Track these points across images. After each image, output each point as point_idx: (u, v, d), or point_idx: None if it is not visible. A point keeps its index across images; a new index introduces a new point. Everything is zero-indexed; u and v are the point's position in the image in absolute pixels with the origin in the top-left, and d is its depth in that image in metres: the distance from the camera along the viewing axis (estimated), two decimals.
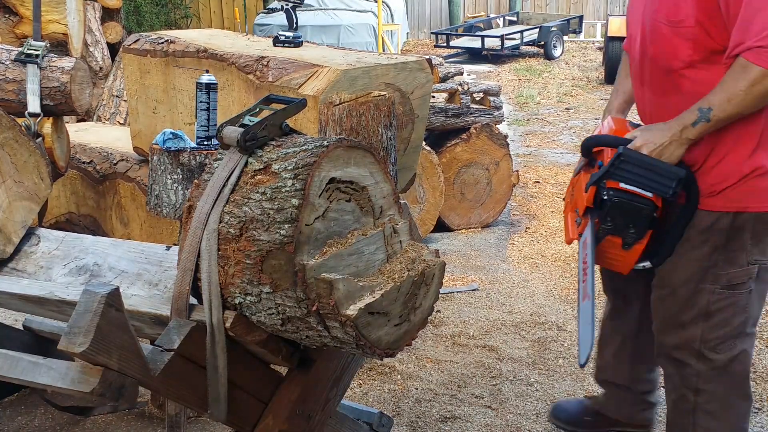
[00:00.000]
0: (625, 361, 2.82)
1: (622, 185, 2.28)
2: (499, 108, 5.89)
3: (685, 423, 2.50)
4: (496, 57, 14.09)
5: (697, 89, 2.23)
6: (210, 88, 2.86)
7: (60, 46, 5.76)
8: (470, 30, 15.43)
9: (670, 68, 2.28)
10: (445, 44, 15.05)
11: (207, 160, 2.85)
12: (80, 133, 4.64)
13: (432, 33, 16.63)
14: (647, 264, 2.42)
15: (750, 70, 2.09)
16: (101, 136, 4.68)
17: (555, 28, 14.41)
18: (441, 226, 5.61)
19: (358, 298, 1.84)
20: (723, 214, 2.30)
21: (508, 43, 13.92)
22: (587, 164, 2.48)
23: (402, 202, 2.33)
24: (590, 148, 2.47)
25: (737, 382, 2.45)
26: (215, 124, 2.86)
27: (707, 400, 2.45)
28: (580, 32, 15.70)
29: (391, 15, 13.10)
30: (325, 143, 1.89)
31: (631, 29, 2.46)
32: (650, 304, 2.55)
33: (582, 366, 2.18)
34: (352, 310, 1.81)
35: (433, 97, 5.46)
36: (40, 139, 2.96)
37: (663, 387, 2.74)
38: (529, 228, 5.73)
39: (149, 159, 3.03)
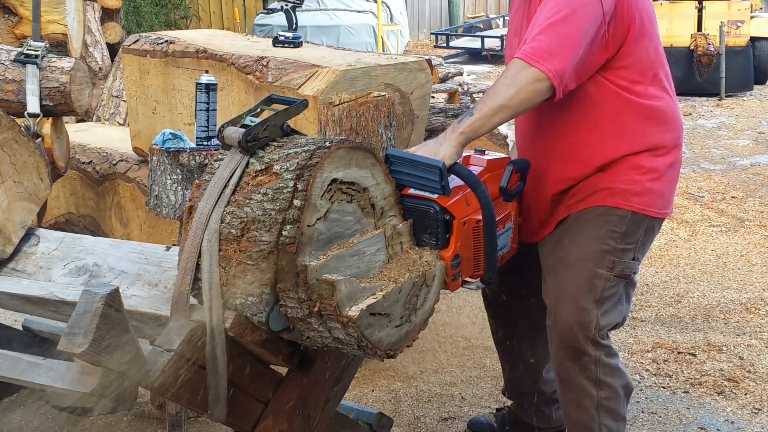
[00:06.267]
0: (528, 369, 2.82)
1: (410, 191, 2.20)
2: None
3: (590, 422, 2.47)
4: (495, 57, 14.08)
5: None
6: (209, 88, 2.86)
7: (59, 46, 5.75)
8: (470, 30, 15.44)
9: None
10: (445, 45, 15.06)
11: (207, 160, 2.85)
12: (80, 134, 4.63)
13: (432, 33, 16.63)
14: (479, 284, 2.34)
15: (510, 65, 2.24)
16: (101, 137, 4.68)
17: None
18: None
19: (359, 299, 1.84)
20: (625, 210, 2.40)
21: None
22: None
23: None
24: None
25: (624, 383, 2.49)
26: (215, 125, 2.86)
27: (608, 396, 2.45)
28: None
29: (391, 15, 13.10)
30: (327, 144, 1.89)
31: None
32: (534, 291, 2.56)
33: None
34: (353, 311, 1.81)
35: (433, 97, 5.46)
36: (39, 139, 2.96)
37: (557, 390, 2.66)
38: None
39: (149, 159, 3.03)
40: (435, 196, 2.17)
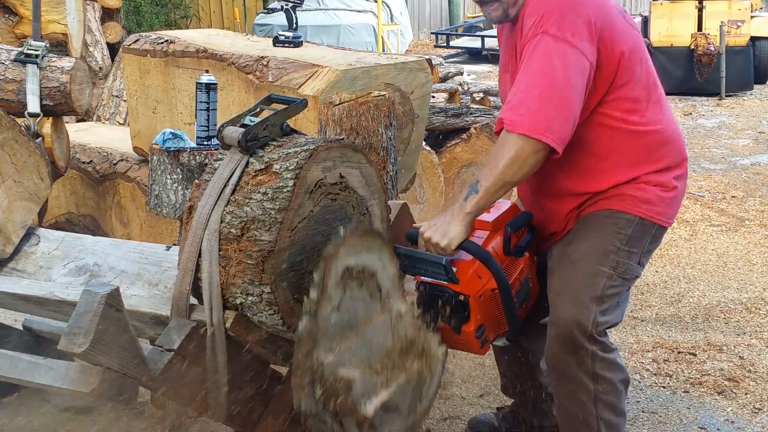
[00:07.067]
0: (524, 364, 2.82)
1: (422, 278, 2.31)
2: (499, 108, 5.90)
3: (587, 414, 2.46)
4: (496, 57, 14.06)
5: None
6: (210, 88, 2.86)
7: (60, 46, 5.75)
8: (470, 30, 15.43)
9: None
10: (445, 44, 15.05)
11: (207, 160, 2.85)
12: (80, 133, 4.63)
13: (432, 33, 16.62)
14: (504, 341, 2.49)
15: (507, 138, 2.24)
16: (101, 136, 4.68)
17: None
18: None
19: (372, 393, 1.85)
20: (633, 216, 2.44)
21: None
22: None
23: (402, 202, 2.34)
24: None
25: (623, 377, 2.50)
26: (215, 124, 2.86)
27: (605, 390, 2.44)
28: None
29: (391, 15, 13.09)
30: (341, 234, 1.91)
31: None
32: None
33: None
34: (369, 410, 1.81)
35: (433, 97, 5.46)
36: (39, 139, 2.96)
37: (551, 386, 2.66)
38: None
39: (149, 159, 3.03)
40: (444, 282, 2.27)
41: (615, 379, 2.46)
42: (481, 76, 12.19)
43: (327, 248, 1.87)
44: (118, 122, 6.03)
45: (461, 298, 2.27)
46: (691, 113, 9.62)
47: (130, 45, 4.07)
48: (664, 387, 3.31)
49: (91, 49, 6.58)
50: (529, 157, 2.23)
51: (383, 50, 12.16)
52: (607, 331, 2.45)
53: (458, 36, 15.29)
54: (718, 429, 3.01)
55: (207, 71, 3.13)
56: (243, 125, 1.96)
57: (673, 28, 10.61)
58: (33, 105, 3.05)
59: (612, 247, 2.42)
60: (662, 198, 2.44)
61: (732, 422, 3.05)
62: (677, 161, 2.48)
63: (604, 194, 2.46)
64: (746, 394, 3.24)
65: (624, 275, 2.43)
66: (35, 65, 3.09)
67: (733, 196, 6.24)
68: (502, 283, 2.33)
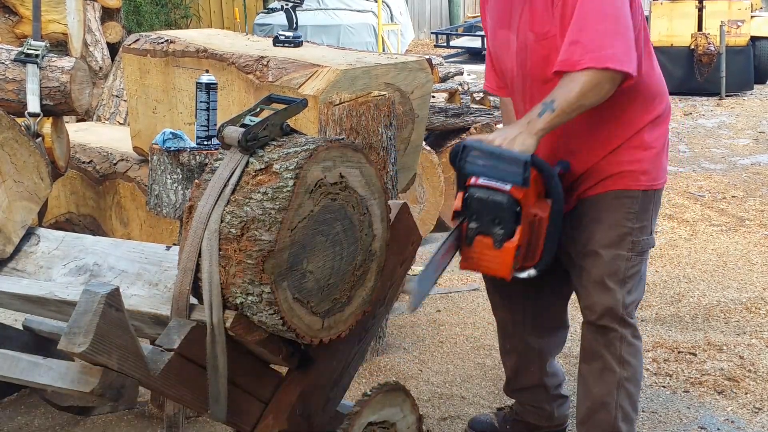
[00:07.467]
0: (534, 361, 2.84)
1: (480, 181, 2.28)
2: (499, 108, 5.89)
3: (609, 398, 2.54)
4: None
5: None
6: (210, 88, 2.86)
7: (60, 46, 5.75)
8: (470, 30, 15.42)
9: (546, 78, 2.43)
10: (445, 44, 15.05)
11: (207, 160, 2.85)
12: (80, 133, 4.64)
13: (432, 33, 16.63)
14: (532, 272, 2.45)
15: (594, 73, 2.29)
16: (101, 136, 4.68)
17: None
18: (441, 226, 5.60)
19: None
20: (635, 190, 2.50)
21: None
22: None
23: (402, 202, 2.34)
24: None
25: (641, 369, 2.60)
26: (215, 124, 2.86)
27: (628, 376, 2.53)
28: None
29: (391, 15, 13.09)
30: (368, 392, 2.09)
31: (503, 64, 2.61)
32: (551, 283, 2.67)
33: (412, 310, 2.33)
34: None
35: (433, 97, 5.46)
36: (39, 139, 2.96)
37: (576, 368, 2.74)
38: None
39: (149, 159, 3.03)
40: (507, 187, 2.24)
41: (638, 368, 2.57)
42: (481, 76, 12.18)
43: (353, 407, 2.07)
44: (118, 122, 6.04)
45: (517, 209, 2.26)
46: (691, 113, 9.62)
47: (130, 45, 4.07)
48: (664, 387, 3.32)
49: (91, 49, 6.58)
50: (606, 83, 2.30)
51: (383, 50, 12.16)
52: (633, 312, 2.55)
53: (458, 36, 15.29)
54: (718, 429, 3.01)
55: (207, 71, 3.13)
56: (243, 125, 1.97)
57: (673, 28, 10.61)
58: (33, 105, 3.05)
59: (626, 230, 2.50)
60: (655, 163, 2.51)
61: (732, 422, 3.05)
62: (665, 111, 2.57)
63: (600, 169, 2.49)
64: (746, 393, 3.24)
65: (641, 252, 2.53)
66: (35, 65, 3.09)
67: (733, 196, 6.24)
68: (558, 205, 2.34)
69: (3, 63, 3.13)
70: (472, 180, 2.33)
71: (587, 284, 2.53)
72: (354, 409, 2.05)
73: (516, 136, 2.31)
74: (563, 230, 2.49)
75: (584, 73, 2.28)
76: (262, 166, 1.89)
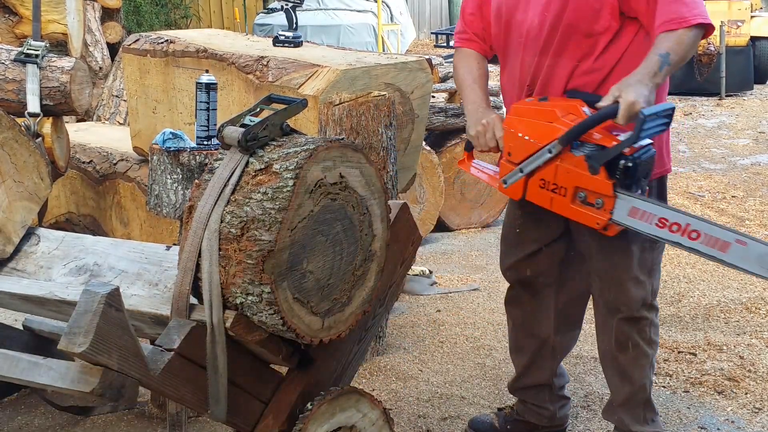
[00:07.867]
0: (547, 359, 2.85)
1: (638, 143, 2.31)
2: (498, 108, 5.89)
3: (644, 379, 2.66)
4: (495, 57, 14.04)
5: (613, 54, 2.47)
6: (210, 88, 2.86)
7: (60, 46, 5.75)
8: None
9: (590, 32, 2.46)
10: (445, 44, 15.03)
11: (207, 160, 2.85)
12: (80, 133, 4.64)
13: (432, 33, 16.62)
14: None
15: (689, 32, 2.39)
16: (101, 136, 4.68)
17: None
18: (441, 226, 5.61)
19: None
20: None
21: None
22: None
23: (402, 202, 2.34)
24: (585, 130, 2.41)
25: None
26: (215, 124, 2.86)
27: (654, 354, 2.68)
28: None
29: (391, 15, 13.09)
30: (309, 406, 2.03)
31: (513, 15, 2.61)
32: (577, 282, 2.75)
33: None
34: None
35: (433, 97, 5.46)
36: (39, 139, 2.96)
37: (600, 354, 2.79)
38: None
39: (149, 159, 3.03)
40: (649, 141, 2.34)
41: (658, 342, 2.72)
42: None
43: (296, 424, 2.02)
44: (118, 122, 6.04)
45: (630, 164, 2.30)
46: (691, 113, 9.62)
47: (130, 45, 4.07)
48: (664, 387, 3.32)
49: (91, 49, 6.58)
50: (699, 39, 2.44)
51: (383, 50, 12.17)
52: (656, 296, 2.67)
53: None
54: (718, 429, 3.01)
55: (207, 71, 3.13)
56: (243, 125, 1.97)
57: None
58: (33, 105, 3.05)
59: None
60: (661, 149, 2.56)
61: (732, 422, 3.05)
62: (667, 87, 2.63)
63: None
64: (746, 393, 3.24)
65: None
66: (35, 65, 3.09)
67: (733, 196, 6.24)
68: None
69: (3, 63, 3.13)
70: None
71: (623, 281, 2.58)
72: (297, 427, 2.01)
73: (647, 93, 2.31)
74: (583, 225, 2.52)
75: (693, 30, 2.37)
76: (262, 166, 1.89)
